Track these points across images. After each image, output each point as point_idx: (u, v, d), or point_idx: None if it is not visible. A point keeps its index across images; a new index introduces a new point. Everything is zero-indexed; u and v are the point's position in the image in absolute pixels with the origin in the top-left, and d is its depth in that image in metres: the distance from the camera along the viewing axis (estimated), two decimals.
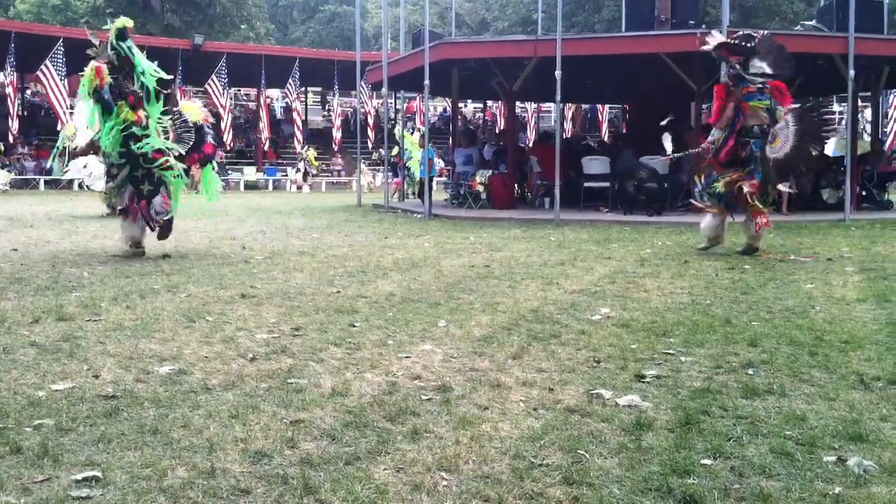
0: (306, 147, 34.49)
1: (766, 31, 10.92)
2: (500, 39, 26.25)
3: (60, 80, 27.86)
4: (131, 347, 5.34)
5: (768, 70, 10.28)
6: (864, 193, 18.82)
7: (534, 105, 35.42)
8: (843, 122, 29.79)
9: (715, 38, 10.63)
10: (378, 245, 11.81)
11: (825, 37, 16.94)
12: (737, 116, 10.19)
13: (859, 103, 23.96)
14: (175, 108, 10.51)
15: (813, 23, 19.98)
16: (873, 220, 15.51)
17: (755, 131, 10.23)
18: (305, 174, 33.19)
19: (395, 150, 25.01)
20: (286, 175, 34.20)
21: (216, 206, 12.87)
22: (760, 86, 10.23)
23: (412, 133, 25.51)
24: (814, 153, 10.48)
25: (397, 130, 25.62)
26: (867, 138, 27.14)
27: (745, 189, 10.24)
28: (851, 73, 15.58)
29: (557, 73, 15.54)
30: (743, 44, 10.32)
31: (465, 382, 4.63)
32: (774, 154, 10.28)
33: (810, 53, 17.21)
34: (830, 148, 24.81)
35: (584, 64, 17.66)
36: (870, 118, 26.47)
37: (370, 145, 36.60)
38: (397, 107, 31.06)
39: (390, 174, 24.18)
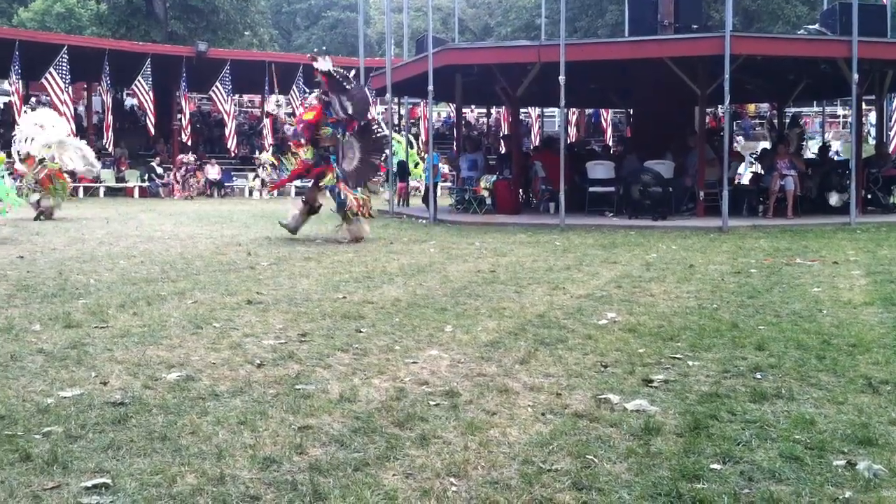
0: (266, 151, 33.91)
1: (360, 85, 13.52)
2: (504, 45, 26.30)
3: (65, 87, 27.93)
4: (139, 354, 5.36)
5: (349, 110, 12.72)
6: (869, 197, 18.77)
7: (538, 110, 35.34)
8: (848, 125, 29.79)
9: (323, 64, 12.65)
10: (384, 250, 11.81)
11: (829, 41, 16.88)
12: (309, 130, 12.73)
13: (863, 107, 23.95)
14: None
15: (816, 27, 19.94)
16: (879, 224, 15.48)
17: (331, 150, 12.79)
18: (263, 182, 32.61)
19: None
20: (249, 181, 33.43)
21: (221, 213, 12.97)
22: (336, 118, 12.73)
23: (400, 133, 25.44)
24: (376, 161, 13.32)
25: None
26: (872, 142, 27.12)
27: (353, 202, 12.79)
28: (855, 76, 15.55)
29: (561, 78, 15.53)
30: (341, 81, 12.70)
31: (473, 388, 4.63)
32: (348, 167, 12.94)
33: (814, 57, 17.22)
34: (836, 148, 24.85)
35: (587, 69, 17.64)
36: (874, 122, 26.42)
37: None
38: (401, 112, 31.08)
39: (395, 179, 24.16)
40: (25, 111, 20.58)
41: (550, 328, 6.27)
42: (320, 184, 13.09)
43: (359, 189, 13.15)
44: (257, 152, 33.71)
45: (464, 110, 32.32)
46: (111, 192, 30.18)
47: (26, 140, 18.08)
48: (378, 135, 13.73)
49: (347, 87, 12.82)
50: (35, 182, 17.74)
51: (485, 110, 40.44)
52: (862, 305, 7.19)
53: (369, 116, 13.70)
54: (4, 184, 14.40)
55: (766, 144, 26.51)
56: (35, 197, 17.85)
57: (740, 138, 34.70)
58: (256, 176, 32.87)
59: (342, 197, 12.85)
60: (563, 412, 4.20)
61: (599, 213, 17.66)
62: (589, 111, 38.74)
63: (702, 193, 16.80)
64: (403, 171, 24.58)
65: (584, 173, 18.35)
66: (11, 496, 3.13)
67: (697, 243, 12.57)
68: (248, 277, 9.02)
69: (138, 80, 30.05)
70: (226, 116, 33.03)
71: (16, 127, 19.73)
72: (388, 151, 22.02)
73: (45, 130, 18.15)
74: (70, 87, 28.85)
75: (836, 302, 7.37)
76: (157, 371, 4.94)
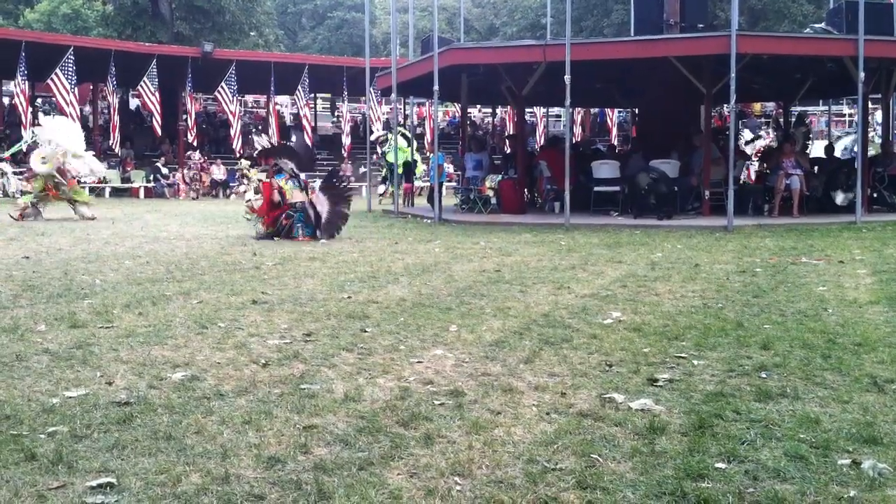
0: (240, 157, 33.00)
1: (289, 144, 15.51)
2: (509, 44, 26.24)
3: (71, 88, 27.97)
4: (144, 354, 5.37)
5: (294, 167, 14.11)
6: (875, 196, 18.73)
7: (543, 110, 35.33)
8: (854, 124, 29.72)
9: (261, 142, 15.31)
10: (388, 250, 11.82)
11: (835, 39, 16.85)
12: (276, 196, 13.93)
13: (869, 106, 23.89)
14: None
15: (822, 25, 19.90)
16: (885, 222, 15.44)
17: (298, 206, 13.82)
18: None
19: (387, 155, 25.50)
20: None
21: (227, 213, 12.99)
22: (292, 173, 14.02)
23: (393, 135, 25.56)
24: (346, 210, 14.24)
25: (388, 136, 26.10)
26: (878, 140, 27.06)
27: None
28: (861, 75, 15.51)
29: (567, 77, 15.51)
30: (274, 150, 14.92)
31: (478, 387, 4.64)
32: (325, 217, 13.94)
33: (820, 56, 17.19)
34: (839, 150, 24.81)
35: (593, 68, 17.62)
36: (880, 120, 26.37)
37: (379, 151, 36.62)
38: (406, 112, 31.08)
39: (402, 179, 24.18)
40: (37, 124, 20.29)
41: (555, 328, 6.26)
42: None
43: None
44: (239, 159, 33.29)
45: (469, 110, 32.34)
46: (116, 193, 30.26)
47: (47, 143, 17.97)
48: (342, 185, 14.77)
49: (282, 149, 14.60)
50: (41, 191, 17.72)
51: (490, 110, 40.52)
52: (867, 304, 7.18)
53: (314, 164, 15.57)
54: None
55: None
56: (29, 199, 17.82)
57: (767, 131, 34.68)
58: (240, 184, 32.52)
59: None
60: (567, 411, 4.20)
61: (604, 212, 17.65)
62: (594, 111, 38.72)
63: (707, 192, 16.78)
64: (409, 172, 24.61)
65: (589, 173, 18.33)
66: (17, 496, 3.14)
67: (703, 242, 12.56)
68: (254, 277, 9.03)
69: (143, 81, 30.06)
70: (231, 117, 33.05)
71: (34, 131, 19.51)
72: (393, 158, 22.48)
73: (62, 141, 17.99)
74: (76, 89, 28.88)
75: (841, 301, 7.35)
76: (163, 371, 4.95)
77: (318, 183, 14.71)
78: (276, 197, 13.79)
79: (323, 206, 13.91)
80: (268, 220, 13.90)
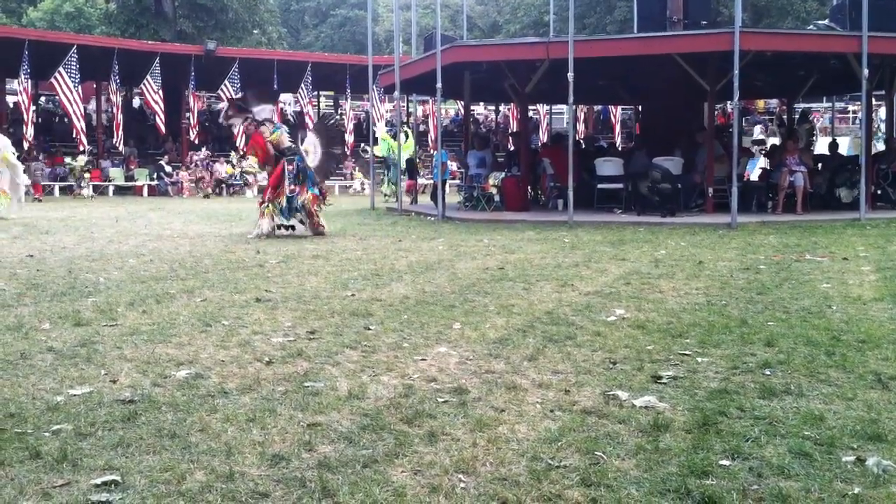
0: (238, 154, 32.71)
1: (245, 93, 15.43)
2: (512, 42, 26.23)
3: (74, 86, 27.99)
4: (148, 352, 5.37)
5: (264, 105, 13.94)
6: (879, 192, 18.69)
7: (546, 107, 35.29)
8: (858, 120, 29.67)
9: (222, 105, 14.31)
10: (392, 248, 11.82)
11: (838, 36, 16.81)
12: (271, 149, 13.59)
13: (873, 102, 23.84)
14: None
15: (826, 22, 19.87)
16: (888, 219, 15.42)
17: (292, 149, 13.52)
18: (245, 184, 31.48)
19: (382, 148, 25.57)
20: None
21: (230, 211, 13.00)
22: (270, 120, 13.80)
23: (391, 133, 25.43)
24: (338, 151, 14.14)
25: (381, 131, 26.14)
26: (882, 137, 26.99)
27: (310, 205, 13.70)
28: (865, 72, 15.47)
29: (570, 74, 15.50)
30: (240, 105, 14.25)
31: (481, 384, 4.64)
32: (313, 163, 13.77)
33: (823, 53, 17.15)
34: (845, 147, 24.77)
35: (596, 65, 17.60)
36: (884, 117, 26.30)
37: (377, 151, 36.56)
38: (409, 110, 31.08)
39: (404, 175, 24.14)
40: None
41: (559, 325, 6.26)
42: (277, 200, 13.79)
43: (313, 187, 13.81)
44: (232, 154, 33.14)
45: (472, 107, 32.32)
46: (120, 191, 30.30)
47: None
48: (330, 122, 14.74)
49: (241, 104, 14.30)
50: None
51: (493, 107, 40.51)
52: (871, 301, 7.17)
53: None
54: None
55: (775, 140, 26.49)
56: None
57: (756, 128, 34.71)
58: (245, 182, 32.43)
59: (300, 202, 13.64)
60: (571, 409, 4.20)
61: (608, 209, 17.63)
62: (598, 108, 38.69)
63: (710, 190, 16.76)
64: (412, 169, 24.58)
65: (592, 170, 18.31)
66: (21, 493, 3.15)
67: (706, 240, 12.54)
68: (257, 275, 9.04)
69: (146, 80, 30.09)
70: None
71: None
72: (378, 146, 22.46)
73: None
74: (79, 87, 28.91)
75: (845, 298, 7.34)
76: (167, 369, 4.96)
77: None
78: (272, 149, 13.57)
79: (315, 148, 13.90)
80: (273, 185, 13.66)
